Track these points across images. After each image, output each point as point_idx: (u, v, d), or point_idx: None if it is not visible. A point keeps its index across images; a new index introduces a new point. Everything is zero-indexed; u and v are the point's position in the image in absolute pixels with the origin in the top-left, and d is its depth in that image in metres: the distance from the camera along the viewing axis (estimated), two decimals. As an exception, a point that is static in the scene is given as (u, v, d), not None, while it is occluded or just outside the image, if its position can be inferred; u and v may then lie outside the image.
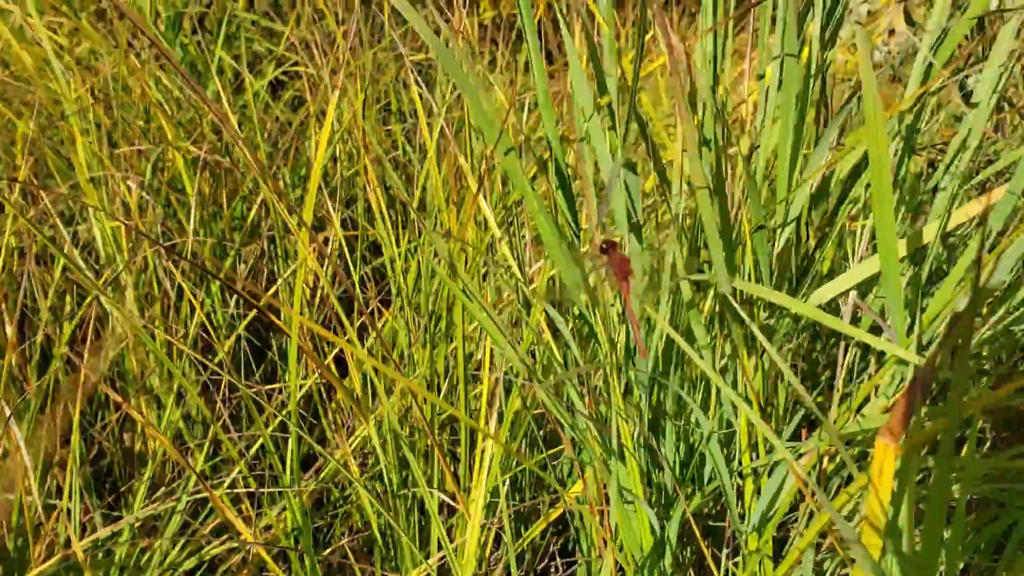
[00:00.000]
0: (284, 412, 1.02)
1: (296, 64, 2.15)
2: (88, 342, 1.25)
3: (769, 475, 0.79)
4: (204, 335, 1.36)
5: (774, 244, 0.79)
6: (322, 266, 1.44)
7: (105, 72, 1.55)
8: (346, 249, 1.27)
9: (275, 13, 2.54)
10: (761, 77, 0.78)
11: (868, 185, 0.86)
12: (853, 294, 0.75)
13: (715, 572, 0.77)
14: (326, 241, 1.52)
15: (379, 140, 1.81)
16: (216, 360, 1.19)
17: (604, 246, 0.70)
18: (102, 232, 1.36)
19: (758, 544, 0.77)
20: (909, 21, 0.95)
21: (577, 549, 1.04)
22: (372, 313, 1.31)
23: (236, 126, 1.20)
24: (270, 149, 1.78)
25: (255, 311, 1.19)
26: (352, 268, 1.32)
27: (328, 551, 1.07)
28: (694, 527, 0.72)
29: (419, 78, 1.58)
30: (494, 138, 0.75)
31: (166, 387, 1.25)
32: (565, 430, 0.80)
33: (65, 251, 1.32)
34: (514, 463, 1.00)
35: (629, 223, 0.78)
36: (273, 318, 0.83)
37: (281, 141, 1.89)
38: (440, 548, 0.92)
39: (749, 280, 0.77)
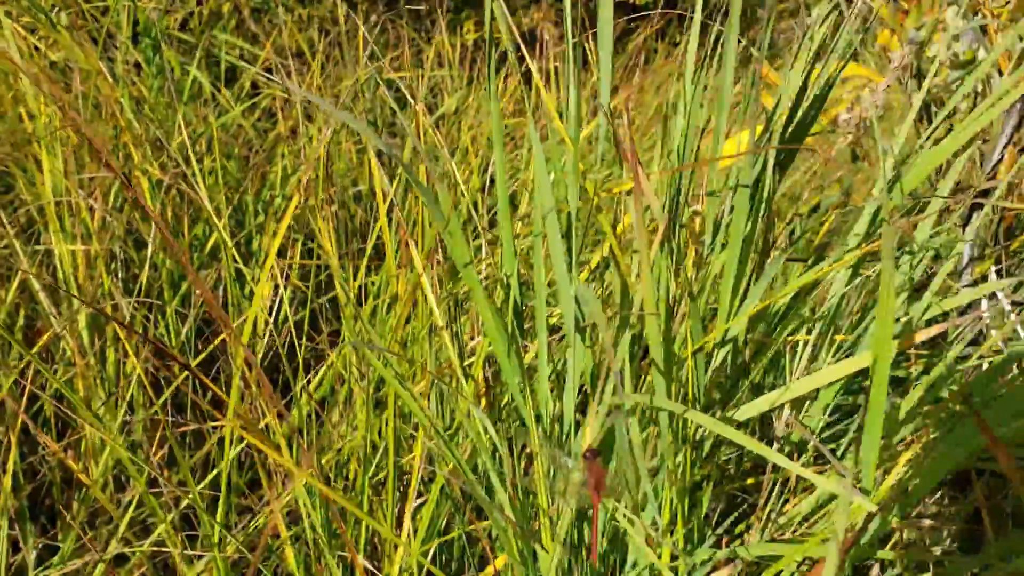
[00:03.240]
0: (215, 472, 1.04)
1: (271, 78, 2.16)
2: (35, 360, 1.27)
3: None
4: (157, 358, 1.37)
5: (711, 361, 0.83)
6: (276, 296, 1.46)
7: (76, 87, 1.56)
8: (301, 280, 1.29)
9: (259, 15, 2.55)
10: (712, 194, 0.81)
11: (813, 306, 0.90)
12: (787, 412, 0.79)
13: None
14: (285, 274, 1.54)
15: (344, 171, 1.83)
16: (160, 401, 1.21)
17: (588, 454, 0.74)
18: (60, 252, 1.37)
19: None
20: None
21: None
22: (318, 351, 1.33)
23: (202, 186, 1.22)
24: (238, 174, 1.79)
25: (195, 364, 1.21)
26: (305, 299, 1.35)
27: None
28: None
29: (393, 102, 1.61)
30: (460, 263, 0.78)
31: (112, 413, 1.27)
32: (491, 516, 0.83)
33: (23, 266, 1.33)
34: (441, 527, 1.03)
35: (577, 327, 0.82)
36: (211, 384, 0.85)
37: (252, 159, 1.90)
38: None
39: (686, 393, 0.80)
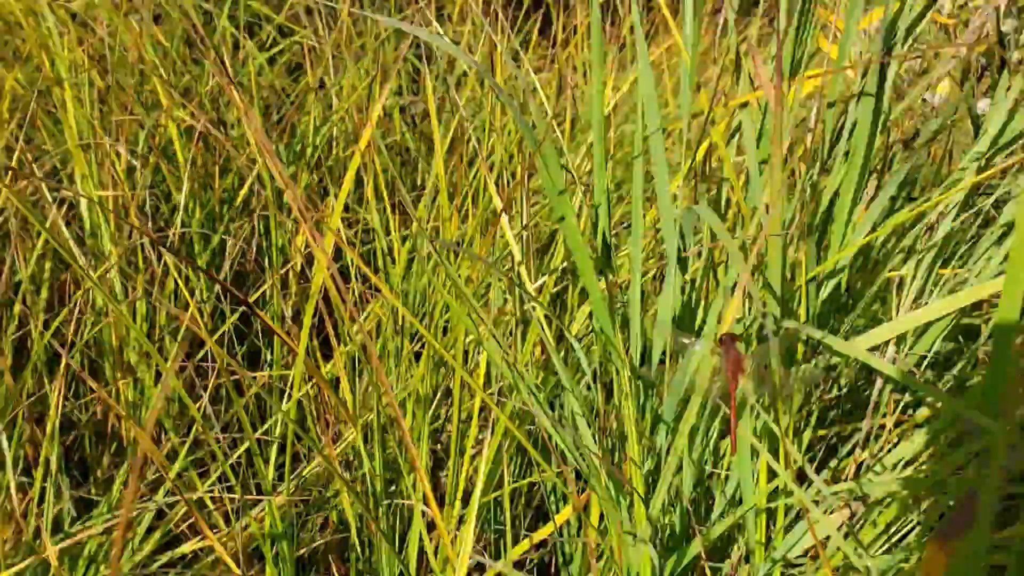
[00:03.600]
0: (272, 420, 0.99)
1: (294, 33, 2.10)
2: (68, 311, 1.22)
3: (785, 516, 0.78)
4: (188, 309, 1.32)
5: (820, 291, 0.78)
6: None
7: (101, 32, 1.50)
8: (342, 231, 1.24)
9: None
10: (832, 105, 0.75)
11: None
12: (891, 350, 0.74)
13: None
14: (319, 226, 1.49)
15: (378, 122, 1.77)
16: (203, 351, 1.16)
17: (723, 338, 0.68)
18: (87, 199, 1.31)
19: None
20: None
21: (562, 572, 1.02)
22: (360, 302, 1.28)
23: (239, 100, 1.16)
24: (264, 124, 1.73)
25: (242, 307, 1.16)
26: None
27: (301, 550, 1.04)
28: (707, 571, 0.70)
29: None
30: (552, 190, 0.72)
31: (145, 364, 1.22)
32: (568, 459, 0.78)
33: (49, 216, 1.28)
34: (504, 479, 0.98)
35: (678, 257, 0.76)
36: (262, 315, 0.81)
37: (277, 112, 1.85)
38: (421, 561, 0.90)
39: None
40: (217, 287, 1.39)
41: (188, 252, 1.50)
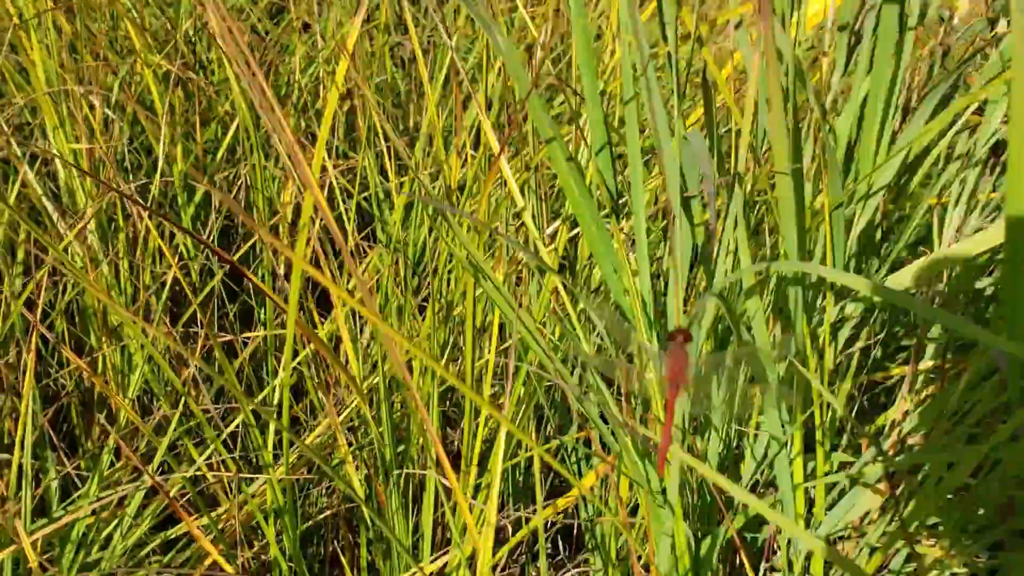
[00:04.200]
0: (272, 387, 0.92)
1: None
2: (45, 274, 1.14)
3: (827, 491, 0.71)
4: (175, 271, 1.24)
5: (851, 227, 0.69)
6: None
7: (66, -28, 1.39)
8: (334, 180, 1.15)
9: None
10: (843, 28, 0.67)
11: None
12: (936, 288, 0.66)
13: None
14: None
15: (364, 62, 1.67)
16: (189, 311, 1.08)
17: (675, 335, 0.59)
18: (60, 152, 1.22)
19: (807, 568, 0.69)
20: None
21: (585, 538, 0.95)
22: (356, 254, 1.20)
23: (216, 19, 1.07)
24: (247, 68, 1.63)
25: (227, 265, 1.08)
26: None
27: (306, 524, 0.98)
28: (740, 551, 0.63)
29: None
30: (523, 86, 0.64)
31: (131, 328, 1.14)
32: (594, 427, 0.71)
33: (20, 173, 1.19)
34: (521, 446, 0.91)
35: (681, 196, 0.68)
36: (248, 275, 0.73)
37: (261, 56, 1.74)
38: (438, 539, 0.83)
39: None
40: (206, 238, 1.30)
41: (172, 207, 1.41)
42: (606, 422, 0.73)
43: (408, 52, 1.89)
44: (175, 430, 0.79)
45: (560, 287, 0.77)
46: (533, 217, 0.81)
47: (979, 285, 0.83)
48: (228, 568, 0.74)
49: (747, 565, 0.70)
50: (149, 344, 0.67)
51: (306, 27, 1.81)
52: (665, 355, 0.58)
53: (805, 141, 0.70)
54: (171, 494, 0.91)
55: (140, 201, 0.97)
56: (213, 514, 0.87)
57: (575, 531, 1.07)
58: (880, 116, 0.66)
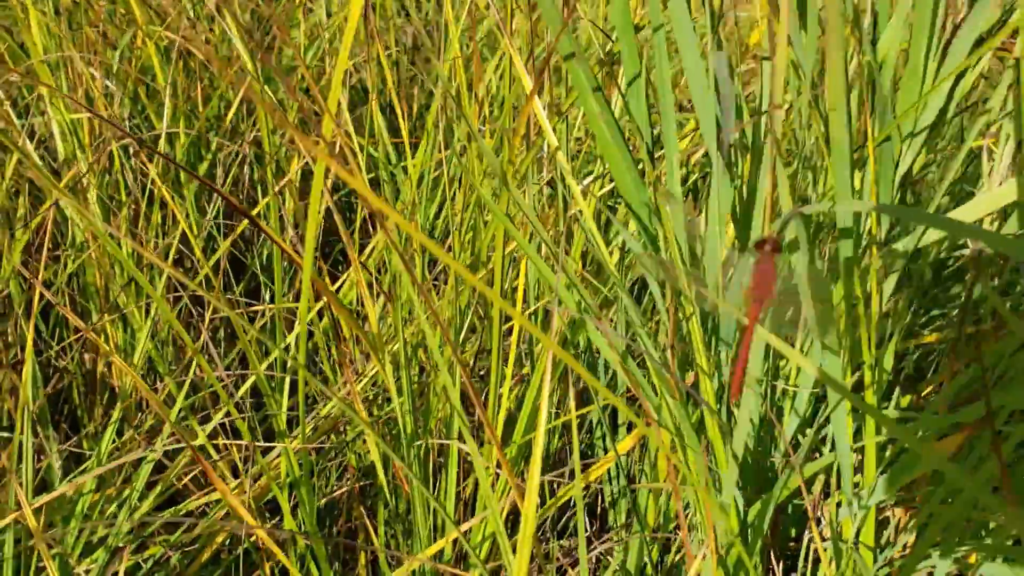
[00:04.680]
0: (285, 343, 0.87)
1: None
2: (44, 251, 1.09)
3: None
4: (181, 246, 1.20)
5: (898, 164, 0.65)
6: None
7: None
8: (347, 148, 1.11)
9: None
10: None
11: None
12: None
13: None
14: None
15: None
16: (198, 279, 1.03)
17: (759, 242, 0.53)
18: (60, 125, 1.18)
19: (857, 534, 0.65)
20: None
21: (609, 517, 0.91)
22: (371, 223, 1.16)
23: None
24: (249, 46, 1.59)
25: (245, 222, 1.03)
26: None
27: (320, 501, 0.93)
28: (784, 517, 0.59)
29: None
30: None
31: (134, 304, 1.09)
32: (642, 389, 0.67)
33: (18, 145, 1.14)
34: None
35: (717, 141, 0.63)
36: (263, 226, 0.69)
37: (265, 34, 1.70)
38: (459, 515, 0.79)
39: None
40: (208, 219, 1.26)
41: (175, 183, 1.37)
42: (648, 380, 0.69)
43: (410, 33, 1.85)
44: (185, 399, 0.74)
45: (597, 239, 0.72)
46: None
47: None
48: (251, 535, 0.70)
49: (792, 532, 0.66)
50: (160, 299, 0.63)
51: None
52: (751, 265, 0.53)
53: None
54: (178, 468, 0.87)
55: (145, 142, 0.92)
56: (229, 487, 0.83)
57: (598, 509, 1.03)
58: (927, 33, 0.62)
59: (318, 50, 1.52)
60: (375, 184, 1.36)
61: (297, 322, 0.68)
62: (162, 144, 1.25)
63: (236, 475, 0.94)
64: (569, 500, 0.99)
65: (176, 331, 1.08)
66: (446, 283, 0.98)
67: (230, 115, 1.37)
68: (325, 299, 0.75)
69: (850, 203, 0.57)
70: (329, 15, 1.62)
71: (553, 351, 0.45)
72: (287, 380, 0.84)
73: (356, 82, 1.68)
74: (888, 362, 0.68)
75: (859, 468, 0.71)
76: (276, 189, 1.01)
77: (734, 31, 1.47)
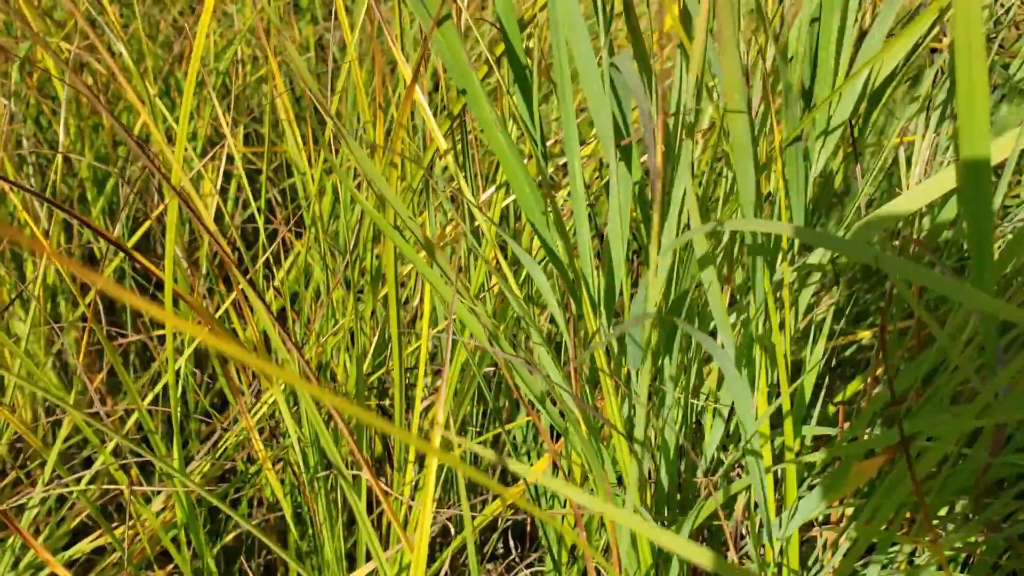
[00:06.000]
0: (162, 383, 0.82)
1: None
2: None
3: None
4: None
5: (809, 164, 0.61)
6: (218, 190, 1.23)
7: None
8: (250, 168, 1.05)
9: None
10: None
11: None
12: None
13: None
14: (230, 160, 1.30)
15: (289, 38, 1.58)
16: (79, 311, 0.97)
17: None
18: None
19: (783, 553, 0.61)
20: None
21: (539, 535, 0.87)
22: (281, 245, 1.11)
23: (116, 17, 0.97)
24: (161, 52, 1.53)
25: (124, 256, 0.97)
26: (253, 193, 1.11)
27: (230, 536, 0.88)
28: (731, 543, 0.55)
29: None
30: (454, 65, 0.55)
31: (34, 338, 1.03)
32: (543, 410, 0.62)
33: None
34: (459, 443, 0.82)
35: (617, 143, 0.59)
36: (154, 269, 0.64)
37: (179, 44, 1.64)
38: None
39: (778, 211, 0.59)
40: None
41: (81, 200, 1.31)
42: (554, 403, 0.64)
43: (338, 39, 1.79)
44: (64, 441, 0.69)
45: (499, 255, 0.68)
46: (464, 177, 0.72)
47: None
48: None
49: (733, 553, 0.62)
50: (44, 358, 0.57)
51: (225, 15, 1.71)
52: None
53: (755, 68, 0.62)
54: (75, 510, 0.81)
55: (46, 196, 0.86)
56: (117, 532, 0.77)
57: (528, 528, 0.99)
58: (838, 25, 0.58)
59: (230, 57, 1.46)
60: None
61: (164, 350, 0.63)
62: (59, 160, 1.18)
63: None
64: (495, 521, 0.94)
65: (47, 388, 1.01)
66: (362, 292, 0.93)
67: (137, 128, 1.31)
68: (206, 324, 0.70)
69: (754, 222, 0.53)
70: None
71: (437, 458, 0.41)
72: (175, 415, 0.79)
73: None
74: (809, 381, 0.65)
75: (782, 480, 0.68)
76: (154, 215, 0.95)
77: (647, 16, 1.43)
